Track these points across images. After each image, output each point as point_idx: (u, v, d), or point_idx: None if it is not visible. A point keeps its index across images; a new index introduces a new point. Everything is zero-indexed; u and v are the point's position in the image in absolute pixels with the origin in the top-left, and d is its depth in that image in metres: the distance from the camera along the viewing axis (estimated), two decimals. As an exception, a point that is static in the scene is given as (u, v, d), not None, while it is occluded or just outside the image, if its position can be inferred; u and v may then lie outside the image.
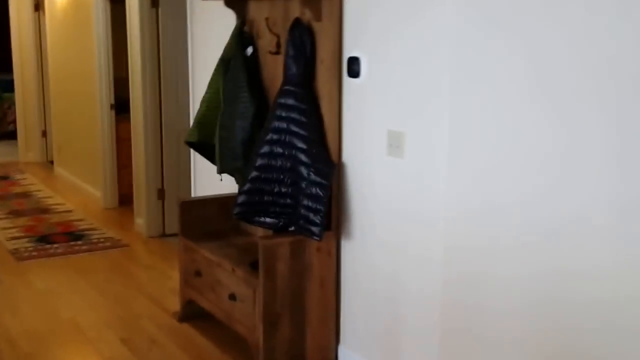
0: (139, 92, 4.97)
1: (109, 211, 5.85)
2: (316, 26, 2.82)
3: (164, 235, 5.06)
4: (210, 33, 3.79)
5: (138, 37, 4.89)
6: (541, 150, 2.02)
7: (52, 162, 7.74)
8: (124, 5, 5.10)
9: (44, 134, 8.22)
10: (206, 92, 3.33)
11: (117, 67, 5.82)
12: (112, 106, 5.85)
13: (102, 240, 4.92)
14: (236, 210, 2.85)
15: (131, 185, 5.31)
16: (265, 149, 2.85)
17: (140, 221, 5.14)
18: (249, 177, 2.85)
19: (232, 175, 3.30)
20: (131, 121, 5.22)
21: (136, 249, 4.75)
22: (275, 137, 2.84)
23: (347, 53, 2.74)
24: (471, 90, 2.24)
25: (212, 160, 3.38)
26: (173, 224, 4.82)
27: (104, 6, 5.71)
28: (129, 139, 5.31)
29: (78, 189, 6.65)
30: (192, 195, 4.09)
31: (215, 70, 3.29)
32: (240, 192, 2.86)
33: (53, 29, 7.18)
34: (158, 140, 5.03)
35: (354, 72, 2.71)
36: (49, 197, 6.35)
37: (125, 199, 5.78)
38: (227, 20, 3.41)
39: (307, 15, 2.84)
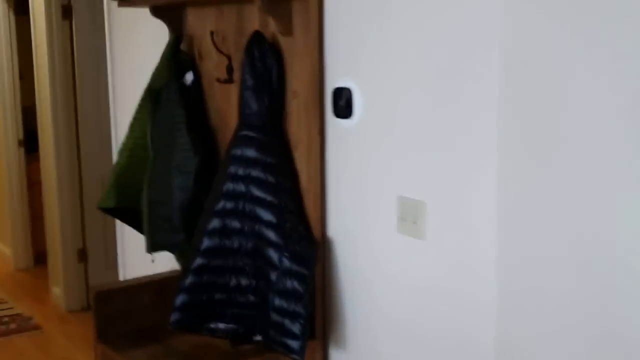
0: (49, 123, 4.16)
1: (21, 274, 4.98)
2: (285, 43, 2.08)
3: (88, 308, 4.21)
4: (136, 50, 3.03)
5: (46, 55, 4.09)
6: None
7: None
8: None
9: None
10: (127, 137, 2.55)
11: (28, 93, 4.99)
12: (20, 142, 5.00)
13: (6, 320, 4.04)
14: (174, 317, 2.06)
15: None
16: (216, 223, 2.08)
17: (57, 291, 4.30)
18: (192, 267, 2.06)
19: (170, 251, 2.51)
20: (40, 161, 4.39)
21: (50, 332, 3.91)
22: (229, 205, 2.08)
23: (332, 82, 2.00)
24: (537, 141, 1.50)
25: (141, 230, 2.58)
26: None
27: (6, 18, 4.88)
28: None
29: (-16, 244, 5.73)
30: (120, 268, 3.27)
31: (140, 105, 2.52)
32: (179, 290, 2.06)
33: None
34: (76, 185, 4.21)
35: (343, 110, 1.96)
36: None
37: (42, 258, 4.92)
38: (158, 34, 2.65)
39: (272, 28, 2.10)
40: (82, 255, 4.23)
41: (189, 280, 2.06)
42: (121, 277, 3.36)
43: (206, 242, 2.07)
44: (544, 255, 1.51)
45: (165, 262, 2.71)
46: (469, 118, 1.63)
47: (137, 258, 3.07)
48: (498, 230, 1.60)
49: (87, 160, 4.21)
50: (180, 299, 2.06)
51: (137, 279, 2.70)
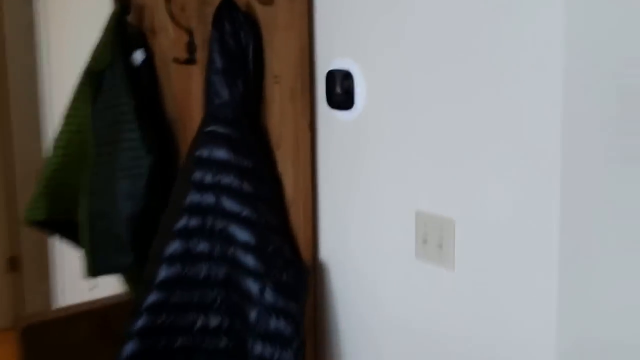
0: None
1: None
2: (264, 13, 1.67)
3: (20, 325, 3.73)
4: (74, 24, 2.61)
5: (-31, 32, 3.62)
6: None
7: None
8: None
9: None
10: (61, 131, 2.12)
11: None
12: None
13: None
14: (122, 372, 1.61)
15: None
16: (176, 246, 1.66)
17: (-16, 305, 3.80)
18: (145, 305, 1.63)
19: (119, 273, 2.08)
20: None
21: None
22: (194, 222, 1.67)
23: (326, 63, 1.59)
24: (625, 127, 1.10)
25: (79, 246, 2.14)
26: (35, 307, 3.56)
27: None
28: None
29: None
30: (57, 280, 2.81)
31: (78, 91, 2.11)
32: (128, 335, 1.63)
33: None
34: (7, 182, 3.76)
35: (340, 98, 1.56)
36: None
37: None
38: (100, 3, 2.23)
39: (247, -7, 1.67)
40: (14, 263, 3.77)
41: (141, 322, 1.62)
42: (58, 291, 2.93)
43: (164, 272, 1.64)
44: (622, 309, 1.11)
45: (110, 281, 2.28)
46: (519, 101, 1.21)
47: (78, 269, 2.63)
48: (560, 259, 1.19)
49: (20, 153, 3.76)
50: (129, 348, 1.62)
51: (75, 306, 2.25)
